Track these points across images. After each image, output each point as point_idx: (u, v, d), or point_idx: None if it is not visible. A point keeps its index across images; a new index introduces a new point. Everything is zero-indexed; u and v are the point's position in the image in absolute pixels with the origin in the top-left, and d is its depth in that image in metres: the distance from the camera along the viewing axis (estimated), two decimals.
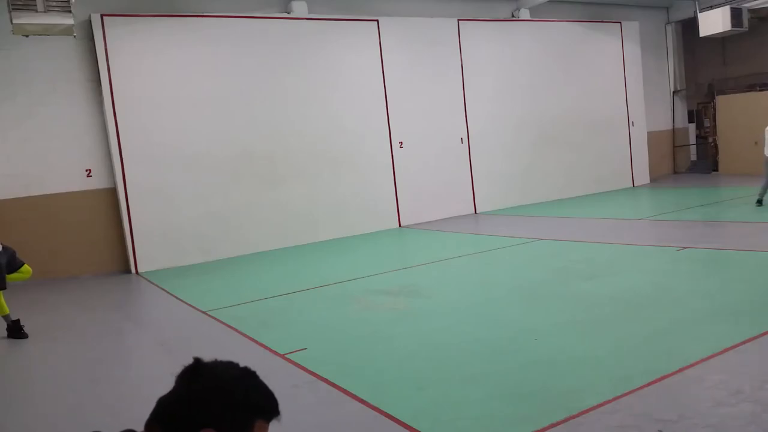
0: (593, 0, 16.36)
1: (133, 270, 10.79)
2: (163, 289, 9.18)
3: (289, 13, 12.23)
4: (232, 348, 5.99)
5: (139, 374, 5.61)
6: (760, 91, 16.42)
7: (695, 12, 15.98)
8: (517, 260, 9.03)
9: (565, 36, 15.77)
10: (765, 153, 10.95)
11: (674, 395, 3.95)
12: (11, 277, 6.94)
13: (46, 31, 8.25)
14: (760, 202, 10.93)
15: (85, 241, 10.68)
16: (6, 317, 6.92)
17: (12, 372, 6.02)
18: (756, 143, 10.94)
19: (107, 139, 10.73)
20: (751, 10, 15.12)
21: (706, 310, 5.71)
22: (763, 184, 10.92)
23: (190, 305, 7.87)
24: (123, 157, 10.70)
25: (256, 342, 5.97)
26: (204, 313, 7.37)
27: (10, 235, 8.79)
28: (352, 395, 4.42)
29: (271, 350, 5.66)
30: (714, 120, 17.74)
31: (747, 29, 15.02)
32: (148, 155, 10.83)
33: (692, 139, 18.94)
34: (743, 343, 4.66)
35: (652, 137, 17.73)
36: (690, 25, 17.27)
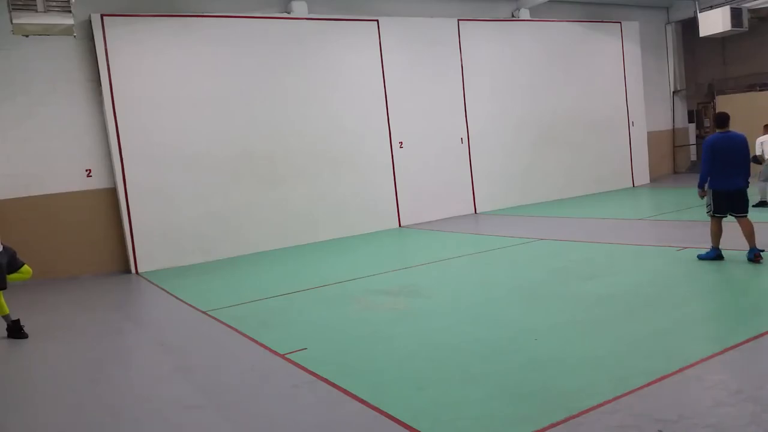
0: (593, 0, 16.37)
1: (133, 270, 10.80)
2: (163, 289, 9.18)
3: (289, 13, 12.23)
4: (232, 348, 5.99)
5: (139, 374, 5.61)
6: (760, 91, 16.43)
7: (695, 12, 15.99)
8: (517, 260, 9.02)
9: (565, 36, 15.78)
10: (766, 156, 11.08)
11: (674, 395, 3.95)
12: (11, 278, 6.94)
13: (46, 31, 8.26)
14: (765, 204, 10.99)
15: (85, 241, 10.68)
16: (6, 317, 6.93)
17: (12, 372, 6.02)
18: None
19: (107, 139, 10.73)
20: (751, 10, 15.13)
21: (706, 310, 5.71)
22: (761, 186, 11.05)
23: (190, 305, 7.88)
24: (123, 157, 10.70)
25: (256, 342, 5.97)
26: (204, 313, 7.38)
27: (10, 235, 8.79)
28: (352, 395, 4.42)
29: (271, 350, 5.66)
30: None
31: (747, 29, 15.03)
32: (148, 155, 10.84)
33: (692, 139, 18.94)
34: (743, 343, 4.66)
35: (652, 137, 17.75)
36: (690, 25, 17.28)
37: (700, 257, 7.60)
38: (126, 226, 10.76)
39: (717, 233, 7.48)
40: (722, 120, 7.53)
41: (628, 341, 5.06)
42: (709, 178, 7.46)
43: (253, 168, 11.79)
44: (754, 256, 7.18)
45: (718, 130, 7.52)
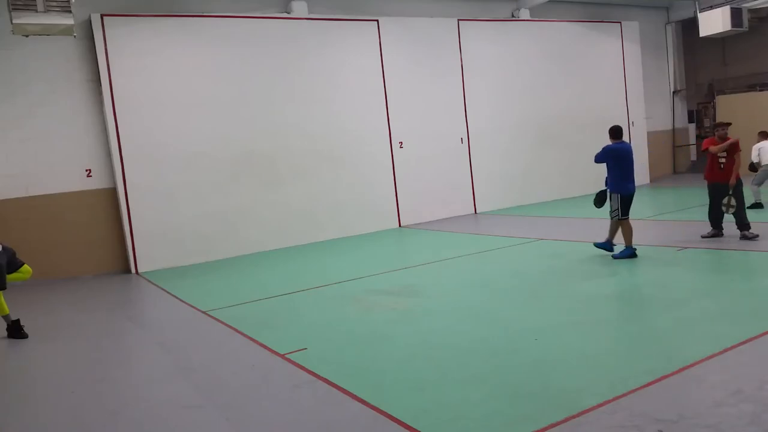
0: (593, 0, 16.37)
1: (133, 270, 10.80)
2: (163, 289, 9.18)
3: (289, 13, 12.23)
4: (232, 348, 5.99)
5: (139, 374, 5.62)
6: (760, 91, 16.43)
7: (695, 12, 15.99)
8: (516, 260, 9.02)
9: (565, 36, 15.78)
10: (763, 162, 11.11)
11: (674, 395, 3.95)
12: (11, 277, 6.94)
13: (46, 31, 8.26)
14: (760, 205, 11.00)
15: (85, 241, 10.68)
16: (6, 317, 6.93)
17: (12, 372, 6.02)
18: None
19: (107, 139, 10.73)
20: (751, 10, 15.13)
21: (706, 310, 5.71)
22: (754, 189, 11.09)
23: (190, 305, 7.88)
24: (123, 157, 10.70)
25: (256, 342, 5.97)
26: (204, 313, 7.38)
27: (10, 235, 8.79)
28: (352, 395, 4.42)
29: (271, 350, 5.66)
30: (714, 120, 17.75)
31: (747, 29, 15.03)
32: (148, 155, 10.84)
33: (692, 139, 18.94)
34: (743, 343, 4.66)
35: (652, 137, 17.74)
36: (690, 25, 17.29)
37: (615, 257, 8.16)
38: (126, 226, 10.76)
39: (631, 231, 8.14)
40: (619, 132, 8.27)
41: (628, 341, 5.06)
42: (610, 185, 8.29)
43: (253, 168, 11.79)
44: (632, 253, 8.07)
45: (613, 141, 8.23)
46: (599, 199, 8.58)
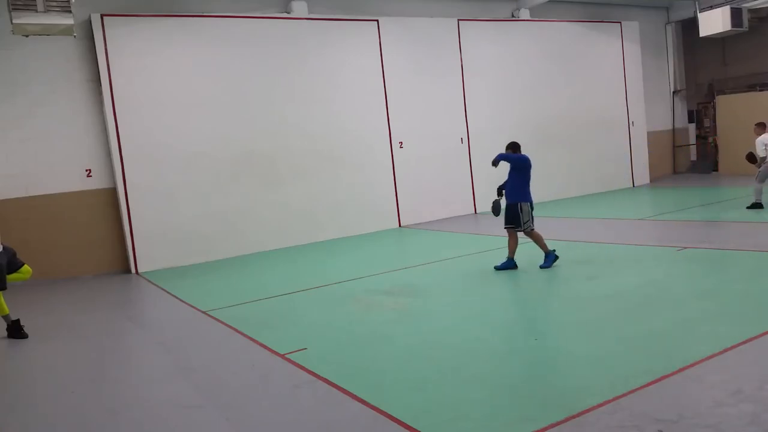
0: (593, 0, 16.37)
1: (133, 270, 10.80)
2: (163, 289, 9.18)
3: (289, 13, 12.24)
4: (232, 348, 5.99)
5: (139, 374, 5.61)
6: (760, 91, 16.43)
7: (695, 12, 16.00)
8: (516, 260, 9.00)
9: (565, 36, 15.78)
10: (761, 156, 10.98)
11: (674, 395, 3.95)
12: (11, 278, 6.94)
13: (46, 31, 8.26)
14: (760, 205, 10.89)
15: (85, 241, 10.68)
16: (6, 317, 6.93)
17: (12, 372, 6.02)
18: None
19: (107, 139, 10.73)
20: (751, 10, 15.13)
21: (706, 310, 5.71)
22: (757, 187, 10.97)
23: (190, 305, 7.88)
24: (123, 157, 10.70)
25: (257, 342, 5.97)
26: (204, 313, 7.38)
27: (10, 235, 8.78)
28: (352, 395, 4.42)
29: (271, 350, 5.66)
30: (714, 120, 17.75)
31: (747, 29, 15.04)
32: (148, 155, 10.84)
33: (692, 139, 18.94)
34: (743, 343, 4.66)
35: (652, 137, 17.74)
36: (690, 25, 17.29)
37: (497, 267, 8.12)
38: (126, 226, 10.76)
39: (540, 238, 8.07)
40: (518, 146, 8.43)
41: (628, 341, 5.06)
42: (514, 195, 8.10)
43: (253, 168, 11.79)
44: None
45: (519, 153, 8.28)
46: (497, 208, 8.36)
